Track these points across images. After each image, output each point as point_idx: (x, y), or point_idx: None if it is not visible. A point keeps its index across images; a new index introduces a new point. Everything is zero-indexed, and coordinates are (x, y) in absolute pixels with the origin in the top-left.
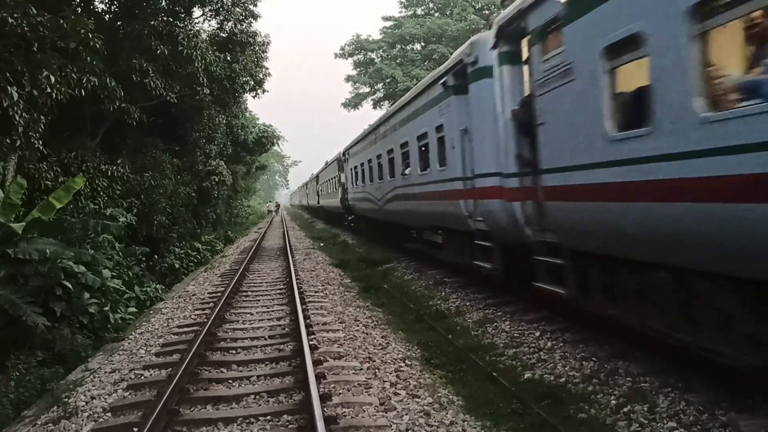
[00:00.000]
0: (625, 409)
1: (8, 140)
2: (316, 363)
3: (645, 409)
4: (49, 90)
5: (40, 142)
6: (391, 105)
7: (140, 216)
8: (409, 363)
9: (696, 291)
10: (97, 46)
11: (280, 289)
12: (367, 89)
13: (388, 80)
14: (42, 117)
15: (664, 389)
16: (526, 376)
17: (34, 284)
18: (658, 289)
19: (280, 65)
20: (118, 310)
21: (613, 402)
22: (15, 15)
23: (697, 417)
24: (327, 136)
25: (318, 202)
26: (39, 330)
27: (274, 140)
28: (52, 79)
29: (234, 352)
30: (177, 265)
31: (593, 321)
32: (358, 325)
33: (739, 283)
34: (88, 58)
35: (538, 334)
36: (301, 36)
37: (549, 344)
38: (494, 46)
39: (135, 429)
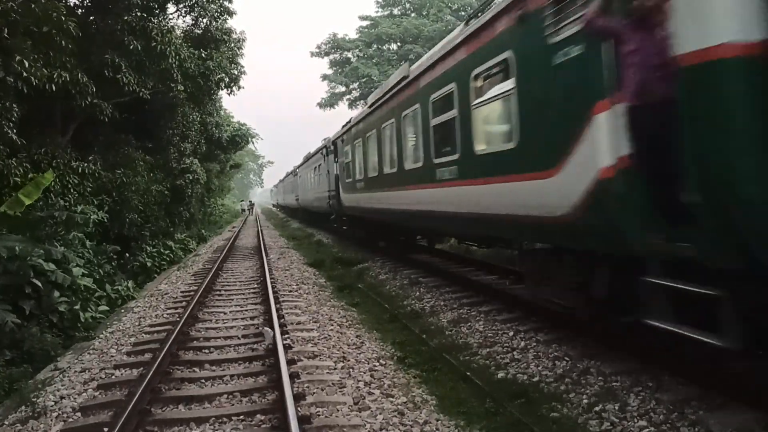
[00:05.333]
0: (597, 408)
1: None
2: (290, 362)
3: (616, 408)
4: (25, 74)
5: (14, 131)
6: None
7: (112, 214)
8: (384, 362)
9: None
10: (71, 29)
11: (254, 288)
12: (343, 88)
13: (364, 79)
14: (15, 105)
15: (635, 388)
16: (499, 375)
17: (2, 282)
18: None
19: (254, 68)
20: (89, 309)
21: (585, 401)
22: None
23: (667, 416)
24: (300, 137)
25: (284, 202)
26: (8, 328)
27: (249, 138)
28: (26, 63)
29: (207, 351)
30: (149, 264)
31: (566, 321)
32: (332, 325)
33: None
34: (63, 42)
35: (511, 333)
36: (278, 36)
37: (522, 344)
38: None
39: (105, 429)
